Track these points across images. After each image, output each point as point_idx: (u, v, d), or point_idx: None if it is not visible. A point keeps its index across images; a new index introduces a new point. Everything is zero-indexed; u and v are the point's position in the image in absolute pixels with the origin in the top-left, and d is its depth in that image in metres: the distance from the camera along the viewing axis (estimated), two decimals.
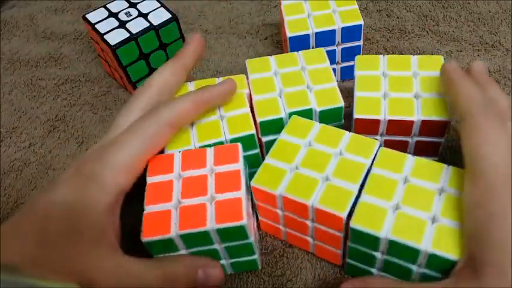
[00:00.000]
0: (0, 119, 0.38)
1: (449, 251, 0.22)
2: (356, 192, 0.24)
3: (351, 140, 0.27)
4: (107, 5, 0.38)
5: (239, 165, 0.26)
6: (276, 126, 0.29)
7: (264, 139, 0.29)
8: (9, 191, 0.34)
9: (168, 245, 0.24)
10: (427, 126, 0.27)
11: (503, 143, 0.23)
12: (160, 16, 0.37)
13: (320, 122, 0.28)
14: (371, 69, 0.30)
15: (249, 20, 0.44)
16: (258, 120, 0.28)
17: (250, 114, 0.28)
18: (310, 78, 0.30)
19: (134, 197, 0.26)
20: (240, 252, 0.26)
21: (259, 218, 0.28)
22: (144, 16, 0.37)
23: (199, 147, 0.27)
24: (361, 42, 0.35)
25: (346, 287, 0.24)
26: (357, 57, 0.31)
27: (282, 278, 0.27)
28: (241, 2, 0.46)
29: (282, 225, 0.27)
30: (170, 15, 0.37)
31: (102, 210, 0.24)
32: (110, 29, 0.36)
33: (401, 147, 0.29)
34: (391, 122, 0.28)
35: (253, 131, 0.28)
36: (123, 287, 0.23)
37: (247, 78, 0.31)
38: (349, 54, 0.35)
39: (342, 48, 0.35)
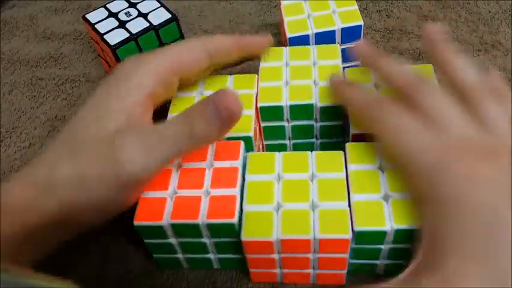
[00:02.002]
0: (0, 119, 0.38)
1: None
2: (348, 208, 0.24)
3: (318, 159, 0.26)
4: (107, 5, 0.38)
5: (238, 163, 0.26)
6: (276, 113, 0.29)
7: (263, 124, 0.30)
8: None
9: (158, 232, 0.25)
10: None
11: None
12: (160, 16, 0.37)
13: (320, 120, 0.29)
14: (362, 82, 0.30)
15: (249, 20, 0.44)
16: (259, 105, 0.29)
17: (254, 117, 0.28)
18: (318, 74, 0.30)
19: None
20: (228, 249, 0.26)
21: (250, 270, 0.27)
22: (144, 16, 0.37)
23: None
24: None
25: None
26: (347, 70, 0.31)
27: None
28: (241, 2, 0.46)
29: (278, 269, 0.26)
30: (170, 15, 0.37)
31: (129, 103, 0.25)
32: (110, 29, 0.36)
33: None
34: None
35: (251, 134, 0.28)
36: (149, 153, 0.24)
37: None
38: (349, 54, 0.35)
39: (342, 49, 0.35)
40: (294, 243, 0.24)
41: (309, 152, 0.26)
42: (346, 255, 0.24)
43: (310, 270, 0.26)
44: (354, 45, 0.29)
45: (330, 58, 0.31)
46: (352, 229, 0.23)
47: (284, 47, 0.32)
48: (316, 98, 0.29)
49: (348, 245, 0.23)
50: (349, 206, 0.24)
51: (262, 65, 0.31)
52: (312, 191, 0.25)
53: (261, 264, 0.26)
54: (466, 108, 0.23)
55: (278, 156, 0.26)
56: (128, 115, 0.25)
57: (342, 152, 0.26)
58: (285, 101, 0.29)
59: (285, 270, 0.26)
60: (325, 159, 0.26)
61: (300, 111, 0.29)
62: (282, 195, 0.25)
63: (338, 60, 0.31)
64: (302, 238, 0.23)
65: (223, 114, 0.24)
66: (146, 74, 0.26)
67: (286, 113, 0.29)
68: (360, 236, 0.23)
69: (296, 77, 0.30)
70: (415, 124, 0.23)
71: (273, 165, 0.26)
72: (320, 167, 0.26)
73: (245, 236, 0.24)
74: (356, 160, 0.25)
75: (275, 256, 0.25)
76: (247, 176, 0.26)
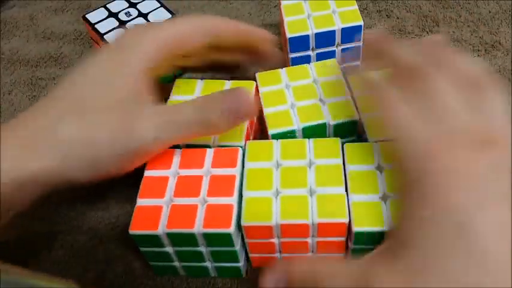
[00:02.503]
0: (0, 119, 0.38)
1: None
2: (345, 193, 0.24)
3: (315, 146, 0.26)
4: (107, 5, 0.38)
5: (236, 171, 0.26)
6: (289, 137, 0.28)
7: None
8: None
9: (154, 241, 0.25)
10: None
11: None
12: (160, 16, 0.37)
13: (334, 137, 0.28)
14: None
15: (249, 20, 0.44)
16: (271, 132, 0.28)
17: (247, 126, 0.28)
18: (322, 91, 0.30)
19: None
20: (224, 258, 0.26)
21: (250, 255, 0.27)
22: (144, 16, 0.37)
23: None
24: (361, 43, 0.35)
25: (266, 286, 0.23)
26: (350, 78, 0.30)
27: None
28: (241, 2, 0.46)
29: (278, 253, 0.26)
30: (170, 15, 0.37)
31: (135, 71, 0.26)
32: (110, 29, 0.36)
33: None
34: None
35: (242, 143, 0.27)
36: (163, 128, 0.25)
37: (258, 91, 0.31)
38: (350, 54, 0.35)
39: (342, 49, 0.35)
40: (293, 228, 0.24)
41: (307, 140, 0.27)
42: (343, 239, 0.25)
43: (309, 254, 0.26)
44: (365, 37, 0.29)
45: (331, 74, 0.31)
46: (351, 230, 0.23)
47: (280, 69, 0.32)
48: (327, 117, 0.28)
49: (345, 229, 0.24)
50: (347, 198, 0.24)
51: (262, 90, 0.30)
52: (309, 177, 0.25)
53: (261, 249, 0.26)
54: (469, 96, 0.22)
55: (276, 143, 0.27)
56: (134, 84, 0.26)
57: (338, 139, 0.27)
58: (297, 124, 0.28)
59: (285, 255, 0.27)
60: (322, 146, 0.26)
61: (313, 131, 0.28)
62: (281, 182, 0.25)
63: (339, 76, 0.30)
64: (301, 223, 0.24)
65: (240, 111, 0.26)
66: (149, 44, 0.27)
67: (300, 137, 0.29)
68: (358, 238, 0.24)
69: (301, 98, 0.30)
70: (411, 111, 0.22)
71: (272, 152, 0.26)
72: (317, 154, 0.26)
73: (245, 221, 0.24)
74: (354, 161, 0.26)
75: (275, 240, 0.25)
76: (246, 163, 0.26)
